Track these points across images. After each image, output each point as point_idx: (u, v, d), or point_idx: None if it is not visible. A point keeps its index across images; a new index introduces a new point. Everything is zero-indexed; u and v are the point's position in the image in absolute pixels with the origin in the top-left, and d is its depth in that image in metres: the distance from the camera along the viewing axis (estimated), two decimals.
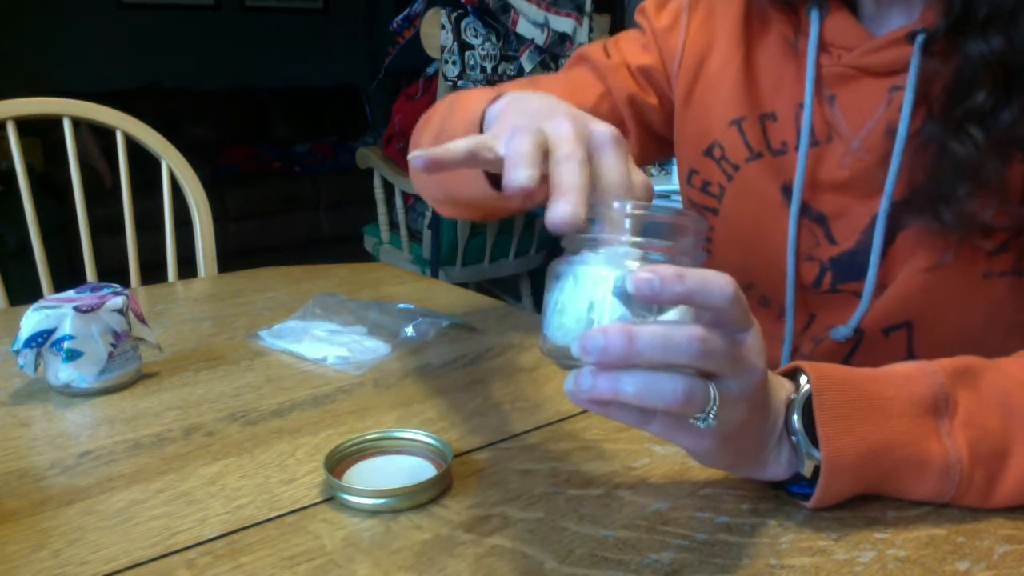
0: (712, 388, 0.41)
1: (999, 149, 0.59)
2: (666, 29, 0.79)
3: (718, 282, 0.39)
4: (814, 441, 0.47)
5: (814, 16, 0.68)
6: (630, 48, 0.81)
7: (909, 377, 0.50)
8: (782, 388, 0.49)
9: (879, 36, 0.65)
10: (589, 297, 0.41)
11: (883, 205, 0.65)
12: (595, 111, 0.76)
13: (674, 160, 0.86)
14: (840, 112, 0.68)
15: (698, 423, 0.41)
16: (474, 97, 0.63)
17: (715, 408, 0.41)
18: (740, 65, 0.73)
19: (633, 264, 0.41)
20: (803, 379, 0.49)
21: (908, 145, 0.63)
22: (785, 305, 0.72)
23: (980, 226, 0.61)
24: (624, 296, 0.40)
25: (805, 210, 0.70)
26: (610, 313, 0.41)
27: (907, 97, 0.63)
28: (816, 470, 0.48)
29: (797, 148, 0.69)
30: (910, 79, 0.63)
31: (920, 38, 0.62)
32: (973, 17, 0.58)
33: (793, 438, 0.48)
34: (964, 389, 0.50)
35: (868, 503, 0.50)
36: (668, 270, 0.38)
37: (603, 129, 0.46)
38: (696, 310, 0.40)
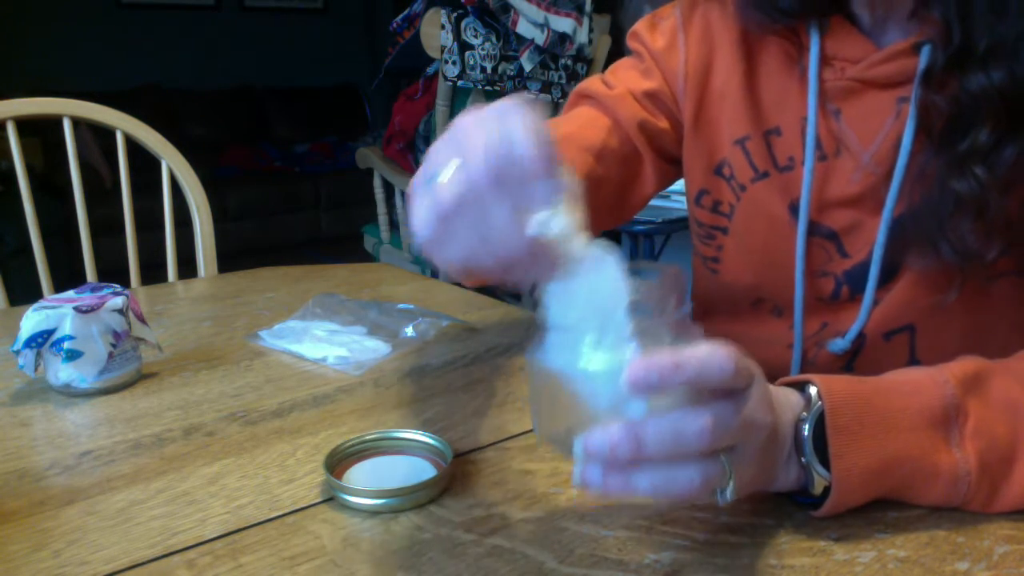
0: (725, 462, 0.40)
1: (1003, 186, 0.57)
2: (664, 50, 0.77)
3: (717, 361, 0.38)
4: (823, 455, 0.47)
5: (814, 32, 0.66)
6: (630, 75, 0.78)
7: (919, 387, 0.50)
8: (789, 407, 0.48)
9: (882, 47, 0.64)
10: (580, 392, 0.40)
11: (884, 219, 0.64)
12: (605, 145, 0.74)
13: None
14: (847, 126, 0.66)
15: (716, 499, 0.41)
16: None
17: (732, 481, 0.40)
18: (741, 81, 0.71)
19: (625, 352, 0.39)
20: (813, 393, 0.48)
21: (913, 161, 0.62)
22: (797, 316, 0.71)
23: (983, 263, 0.59)
24: (618, 388, 0.38)
25: (815, 228, 0.69)
26: (606, 408, 0.39)
27: (911, 112, 0.61)
28: (825, 488, 0.47)
29: (804, 163, 0.68)
30: (913, 95, 0.61)
31: (925, 50, 0.60)
32: (973, 49, 0.56)
33: (803, 459, 0.47)
34: (974, 397, 0.49)
35: (868, 503, 0.50)
36: (664, 361, 0.37)
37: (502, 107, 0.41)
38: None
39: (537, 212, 0.40)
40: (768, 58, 0.71)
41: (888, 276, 0.66)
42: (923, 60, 0.60)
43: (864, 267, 0.67)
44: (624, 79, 0.78)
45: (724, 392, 0.40)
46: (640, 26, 0.80)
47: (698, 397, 0.39)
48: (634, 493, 0.39)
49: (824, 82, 0.67)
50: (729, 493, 0.40)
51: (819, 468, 0.47)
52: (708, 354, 0.38)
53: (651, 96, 0.77)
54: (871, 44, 0.65)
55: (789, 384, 0.50)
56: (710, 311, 0.82)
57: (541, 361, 0.42)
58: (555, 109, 2.60)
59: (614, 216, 0.80)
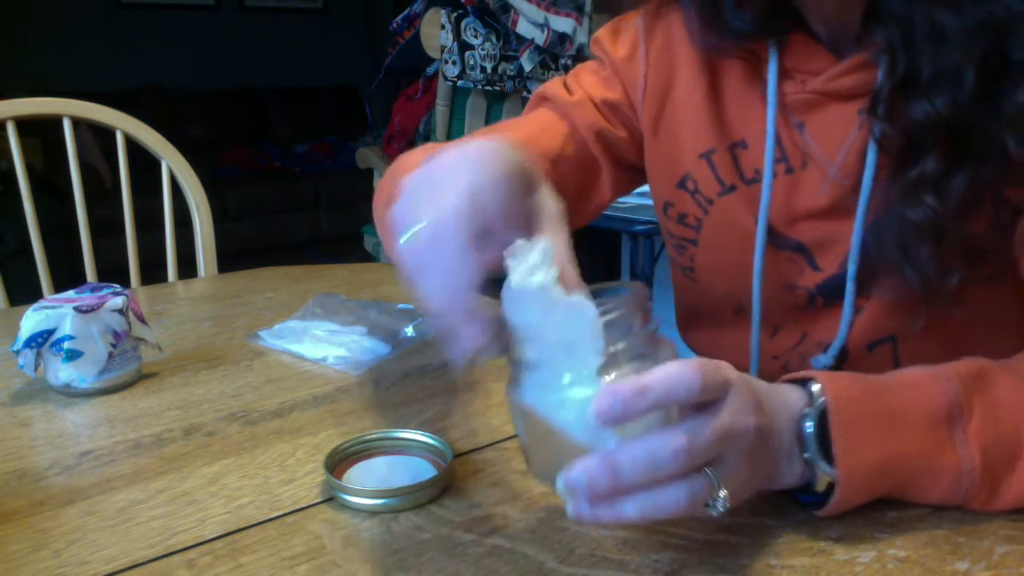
0: (711, 475, 0.40)
1: (956, 213, 0.57)
2: (625, 60, 0.75)
3: (683, 381, 0.39)
4: (827, 453, 0.47)
5: (772, 48, 0.66)
6: (591, 81, 0.77)
7: (923, 385, 0.50)
8: (787, 405, 0.48)
9: (842, 59, 0.63)
10: (559, 428, 0.40)
11: (856, 231, 0.63)
12: (562, 152, 0.73)
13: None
14: (811, 139, 0.65)
15: (709, 512, 0.41)
16: (408, 166, 0.61)
17: (721, 491, 0.41)
18: (705, 94, 0.70)
19: (596, 384, 0.39)
20: (815, 390, 0.48)
21: (879, 173, 0.62)
22: (776, 325, 0.71)
23: (946, 288, 0.59)
24: (587, 422, 0.39)
25: (782, 242, 0.68)
26: (584, 441, 0.39)
27: (875, 128, 0.60)
28: (829, 485, 0.47)
29: (764, 176, 0.67)
30: (874, 127, 0.61)
31: (881, 62, 0.59)
32: (917, 78, 0.56)
33: (807, 455, 0.47)
34: (978, 395, 0.49)
35: (868, 503, 0.50)
36: (627, 389, 0.38)
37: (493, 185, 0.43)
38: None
39: (510, 258, 0.41)
40: (731, 71, 0.70)
41: (864, 287, 0.65)
42: (879, 79, 0.59)
43: (837, 280, 0.66)
44: (586, 84, 0.77)
45: (698, 406, 0.40)
46: (602, 33, 0.79)
47: (671, 417, 0.40)
48: (624, 520, 0.40)
49: (785, 95, 0.66)
50: (721, 504, 0.41)
51: (823, 464, 0.47)
52: (672, 374, 0.39)
53: (610, 105, 0.76)
54: (831, 57, 0.64)
55: (792, 380, 0.50)
56: (695, 319, 0.81)
57: (520, 400, 0.42)
58: None
59: (570, 222, 0.79)
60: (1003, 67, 0.54)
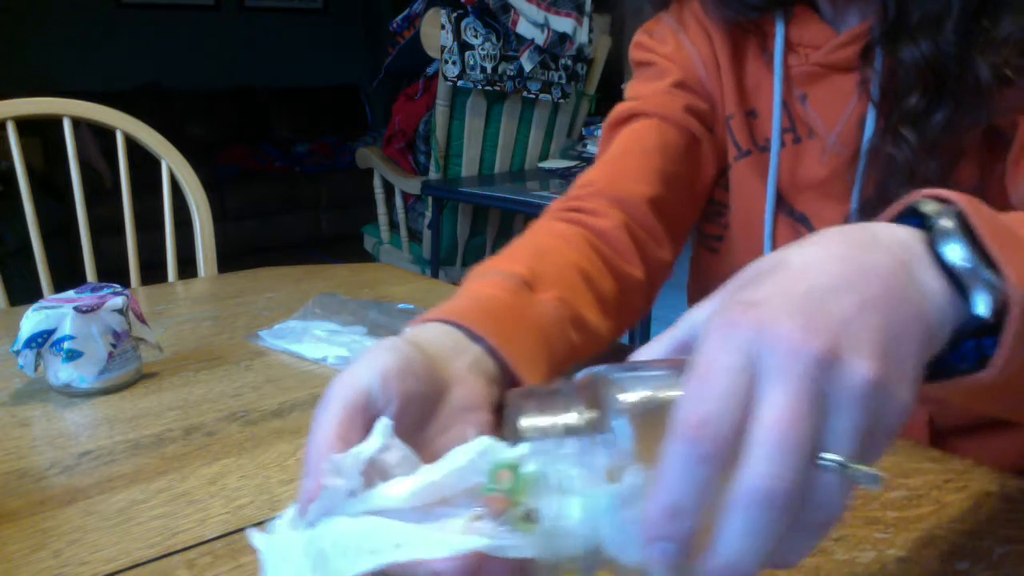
0: (830, 462, 0.28)
1: (933, 151, 0.60)
2: (674, 52, 0.77)
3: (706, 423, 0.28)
4: (984, 261, 0.33)
5: (779, 21, 0.69)
6: (647, 82, 0.77)
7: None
8: (900, 245, 0.34)
9: (842, 33, 0.67)
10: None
11: (854, 197, 0.66)
12: (665, 146, 0.73)
13: None
14: (813, 110, 0.69)
15: (871, 487, 0.29)
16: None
17: (852, 463, 0.28)
18: (728, 62, 0.74)
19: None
20: (930, 207, 0.36)
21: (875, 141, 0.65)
22: None
23: None
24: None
25: (790, 211, 0.71)
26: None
27: (873, 92, 0.64)
28: (997, 315, 0.33)
29: (771, 148, 0.71)
30: (874, 76, 0.64)
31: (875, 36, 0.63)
32: (906, 22, 0.60)
33: (962, 265, 0.33)
34: None
35: (868, 503, 0.50)
36: (656, 516, 0.28)
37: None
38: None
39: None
40: (747, 42, 0.74)
41: None
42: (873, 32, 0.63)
43: None
44: (645, 88, 0.77)
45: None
46: (640, 38, 0.81)
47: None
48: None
49: (790, 68, 0.69)
50: (868, 472, 0.28)
51: (986, 273, 0.33)
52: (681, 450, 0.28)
53: (680, 84, 0.76)
54: (832, 30, 0.68)
55: (888, 218, 0.38)
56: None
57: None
58: (555, 109, 2.60)
59: (693, 209, 0.79)
60: (986, 4, 0.57)
